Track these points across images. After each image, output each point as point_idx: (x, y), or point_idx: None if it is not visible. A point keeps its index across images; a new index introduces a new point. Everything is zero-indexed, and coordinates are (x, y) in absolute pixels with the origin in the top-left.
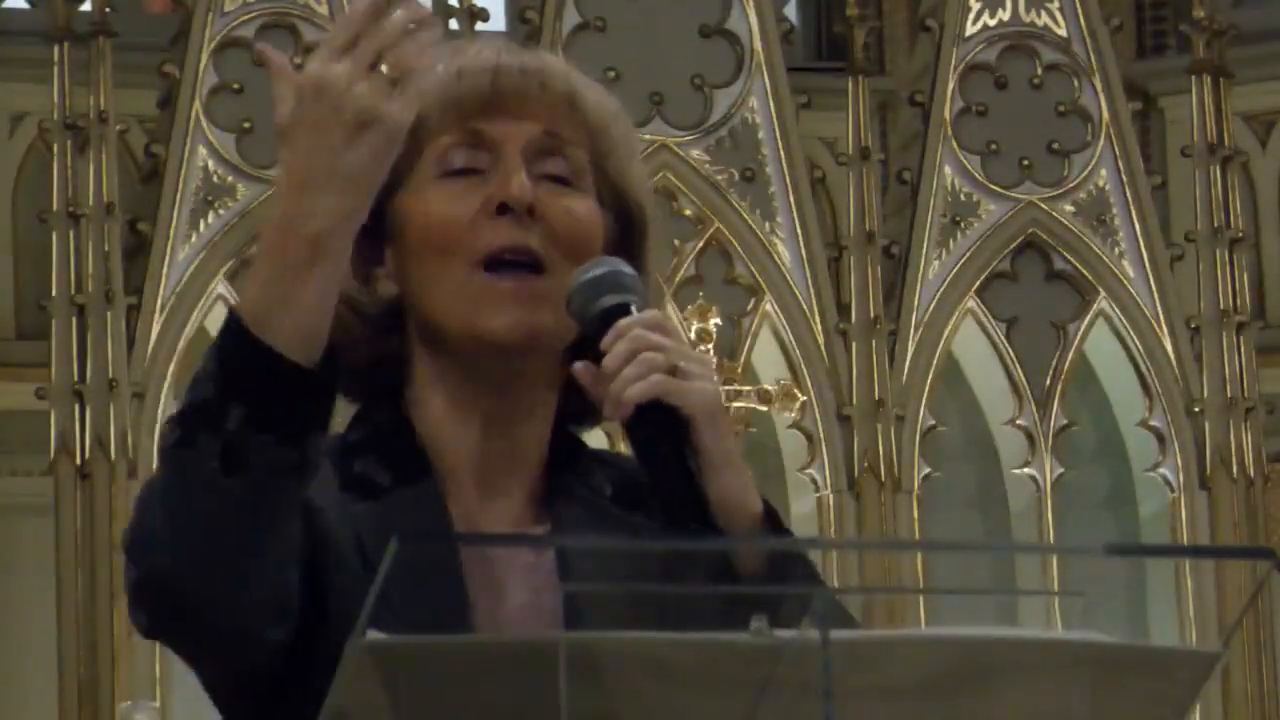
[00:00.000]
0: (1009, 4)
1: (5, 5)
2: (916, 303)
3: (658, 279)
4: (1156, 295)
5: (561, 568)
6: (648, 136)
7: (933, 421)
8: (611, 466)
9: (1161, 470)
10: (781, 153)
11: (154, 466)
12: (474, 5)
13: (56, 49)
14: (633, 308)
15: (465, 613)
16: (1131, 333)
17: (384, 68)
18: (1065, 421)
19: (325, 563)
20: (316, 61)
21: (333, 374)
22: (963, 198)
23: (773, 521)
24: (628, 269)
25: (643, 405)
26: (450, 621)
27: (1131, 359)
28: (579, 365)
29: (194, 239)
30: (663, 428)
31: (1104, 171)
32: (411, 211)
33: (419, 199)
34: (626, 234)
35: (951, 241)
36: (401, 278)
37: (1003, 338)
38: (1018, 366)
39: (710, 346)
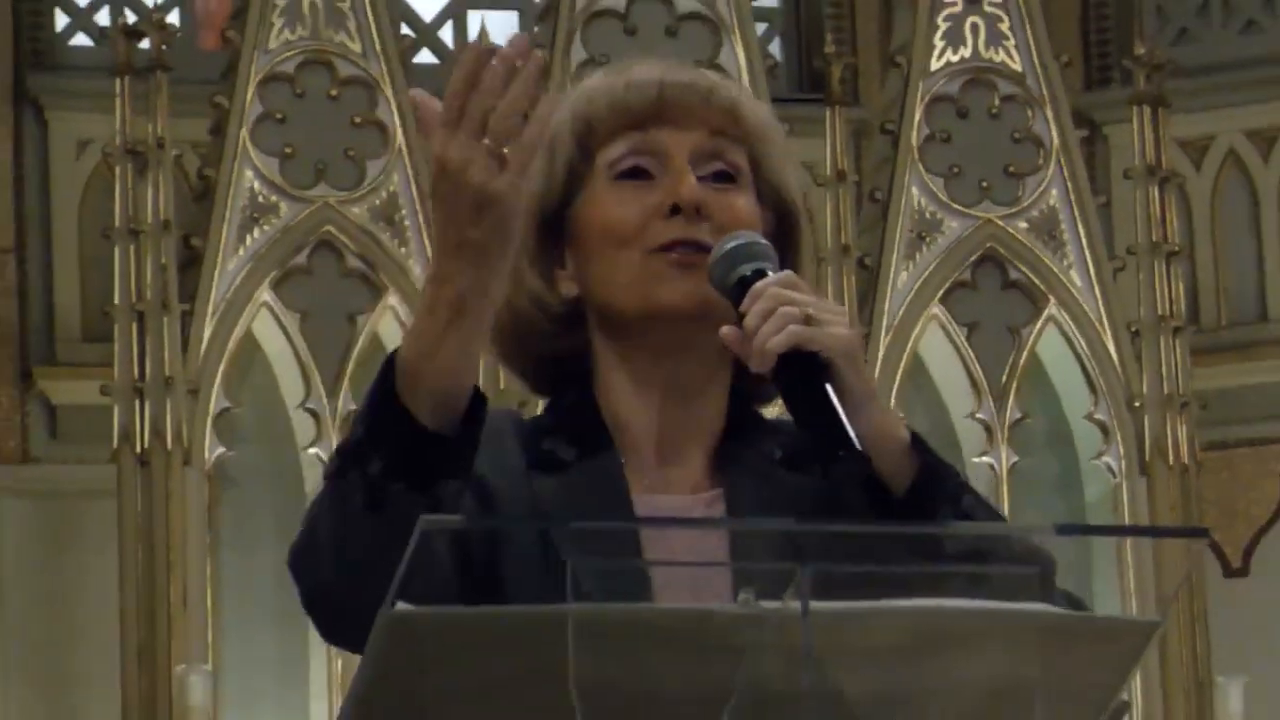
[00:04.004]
0: (970, 42)
1: (72, 43)
2: (887, 309)
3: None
4: (1101, 302)
5: (733, 536)
6: None
7: (901, 415)
8: (782, 433)
9: (1105, 459)
10: None
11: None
12: (490, 43)
13: (118, 82)
14: (768, 272)
15: (646, 581)
16: (1079, 335)
17: (487, 140)
18: (1019, 415)
19: (495, 535)
20: (439, 137)
21: (471, 425)
22: (928, 215)
23: (919, 445)
24: (761, 239)
25: (785, 354)
26: (632, 588)
27: (1078, 359)
28: (725, 329)
29: (241, 252)
30: (805, 372)
31: (1054, 192)
32: (590, 216)
33: (595, 204)
34: (783, 230)
35: (918, 254)
36: (581, 276)
37: (964, 340)
38: (977, 366)
39: None
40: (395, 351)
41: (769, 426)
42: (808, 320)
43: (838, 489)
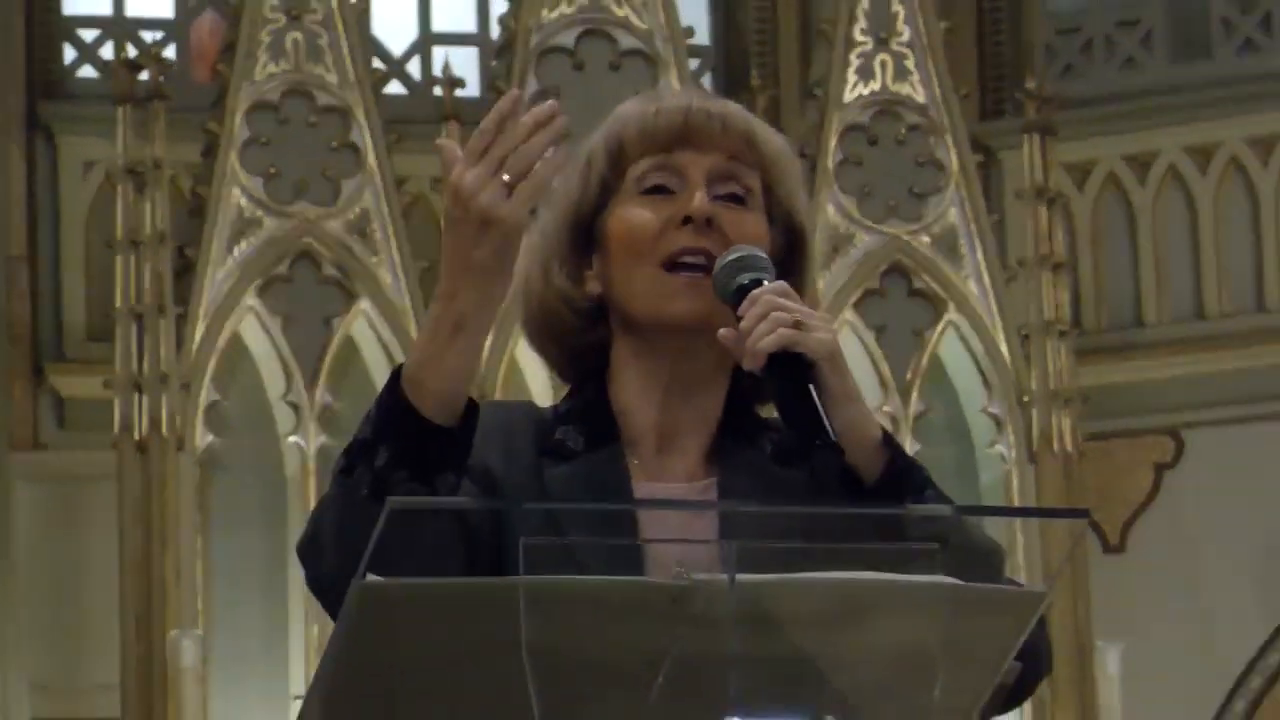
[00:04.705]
0: (879, 77)
1: (79, 75)
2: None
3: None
4: (995, 308)
5: (723, 517)
6: None
7: None
8: (775, 431)
9: (998, 447)
10: None
11: (328, 484)
12: (453, 76)
13: (120, 110)
14: (764, 281)
15: (639, 557)
16: (975, 338)
17: (505, 176)
18: (922, 408)
19: (500, 519)
20: (457, 167)
21: (468, 428)
22: (842, 230)
23: (890, 443)
24: (760, 252)
25: (774, 354)
26: (625, 561)
27: (974, 359)
28: (723, 331)
29: (229, 262)
30: (791, 371)
31: (954, 210)
32: (615, 225)
33: (621, 214)
34: (790, 248)
35: (833, 265)
36: (605, 278)
37: (873, 342)
38: (885, 365)
39: None
40: (400, 366)
41: (764, 425)
42: (797, 325)
43: (819, 480)
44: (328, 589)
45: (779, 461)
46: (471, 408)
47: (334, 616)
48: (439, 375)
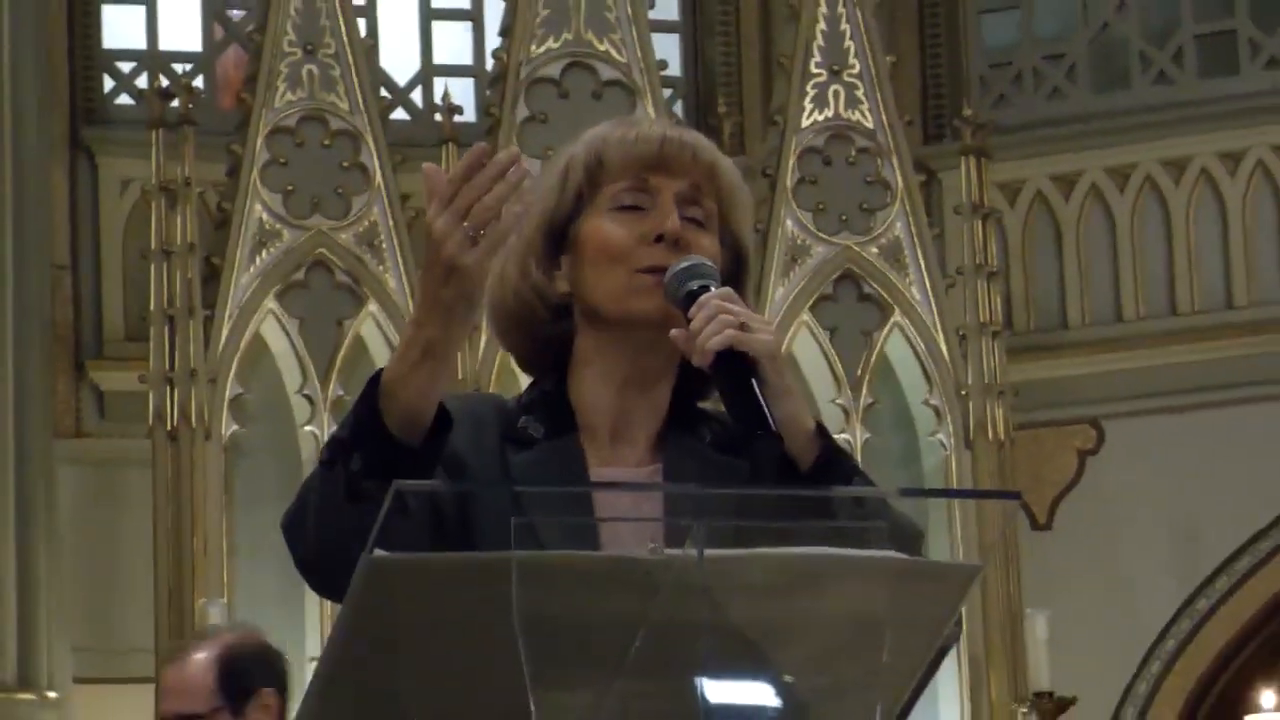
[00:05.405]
0: (833, 105)
1: (117, 102)
2: (766, 318)
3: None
4: (935, 312)
5: (667, 498)
6: None
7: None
8: (715, 422)
9: (939, 436)
10: None
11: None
12: (451, 104)
13: (154, 134)
14: (712, 288)
15: (594, 533)
16: (918, 338)
17: (465, 223)
18: (871, 401)
19: (467, 498)
20: (431, 209)
21: (435, 444)
22: (799, 242)
23: (823, 433)
24: (708, 261)
25: (720, 352)
26: (582, 539)
27: (918, 356)
28: (674, 331)
29: (252, 269)
30: (736, 368)
31: (899, 224)
32: (590, 234)
33: (596, 224)
34: (736, 267)
35: (791, 273)
36: (575, 279)
37: (827, 341)
38: (837, 362)
39: None
40: (380, 371)
41: (705, 416)
42: (742, 327)
43: (758, 466)
44: (310, 569)
45: (717, 449)
46: (442, 422)
47: (317, 591)
48: (406, 393)
